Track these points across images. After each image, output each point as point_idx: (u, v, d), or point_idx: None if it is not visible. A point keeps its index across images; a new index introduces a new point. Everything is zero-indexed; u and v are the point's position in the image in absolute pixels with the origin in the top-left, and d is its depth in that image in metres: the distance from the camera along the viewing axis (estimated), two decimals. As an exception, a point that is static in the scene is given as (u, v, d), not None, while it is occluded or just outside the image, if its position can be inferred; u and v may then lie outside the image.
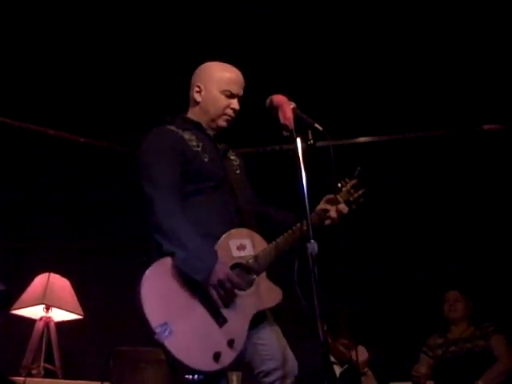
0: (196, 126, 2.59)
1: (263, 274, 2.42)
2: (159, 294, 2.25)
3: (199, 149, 2.51)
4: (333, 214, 2.58)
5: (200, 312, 2.27)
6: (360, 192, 2.67)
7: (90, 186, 5.03)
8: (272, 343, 2.42)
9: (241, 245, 2.41)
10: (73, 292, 4.33)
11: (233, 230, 2.43)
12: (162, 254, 2.31)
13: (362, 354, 3.87)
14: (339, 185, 2.66)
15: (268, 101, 2.40)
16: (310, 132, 2.26)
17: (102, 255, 4.90)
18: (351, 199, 2.66)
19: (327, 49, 4.35)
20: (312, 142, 2.25)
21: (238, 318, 2.30)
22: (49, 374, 4.04)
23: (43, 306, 4.18)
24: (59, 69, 4.49)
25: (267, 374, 2.37)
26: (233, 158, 2.68)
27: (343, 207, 2.62)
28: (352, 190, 2.67)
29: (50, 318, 4.22)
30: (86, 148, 5.12)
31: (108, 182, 5.04)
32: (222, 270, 2.27)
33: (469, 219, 4.80)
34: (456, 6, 4.01)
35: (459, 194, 4.86)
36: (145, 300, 2.20)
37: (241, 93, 2.62)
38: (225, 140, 2.66)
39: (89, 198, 4.99)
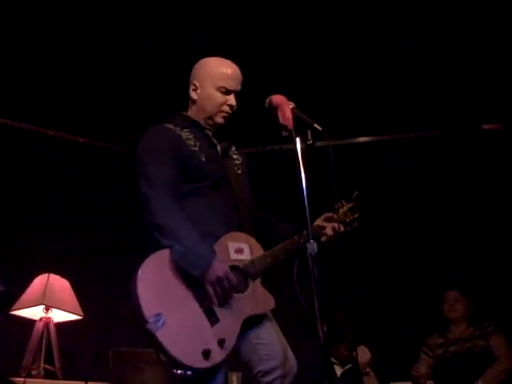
0: (194, 125, 2.58)
1: (258, 280, 2.42)
2: (155, 284, 2.24)
3: (196, 148, 2.50)
4: (329, 231, 2.59)
5: (194, 308, 2.26)
6: (355, 215, 2.67)
7: (90, 186, 5.03)
8: (271, 342, 2.41)
9: (239, 248, 2.41)
10: (72, 293, 4.32)
11: (232, 233, 2.42)
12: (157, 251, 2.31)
13: (364, 354, 3.87)
14: (336, 206, 2.66)
15: (267, 101, 2.39)
16: (309, 132, 2.26)
17: (102, 255, 4.90)
18: (347, 221, 2.66)
19: (327, 49, 4.35)
20: (311, 141, 2.25)
21: (230, 319, 2.29)
22: (49, 375, 4.04)
23: (43, 306, 4.18)
24: (59, 69, 4.49)
25: (266, 373, 2.36)
26: (235, 156, 2.66)
27: (339, 226, 2.61)
28: (348, 213, 2.66)
29: (49, 318, 4.22)
30: (86, 148, 5.13)
31: (108, 182, 5.05)
32: (221, 268, 2.26)
33: (469, 219, 4.80)
34: (456, 5, 4.01)
35: (459, 194, 4.86)
36: (140, 289, 2.20)
37: (238, 88, 2.59)
38: (226, 138, 2.64)
39: (88, 198, 4.99)
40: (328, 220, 2.62)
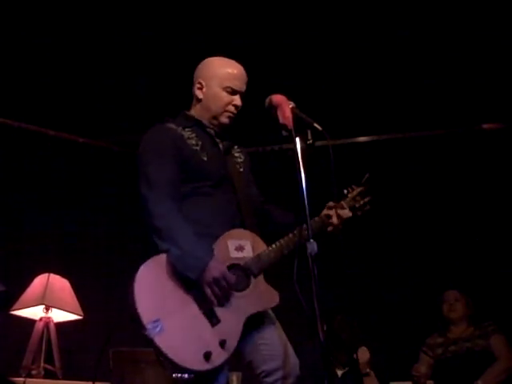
0: (196, 124, 2.57)
1: (261, 276, 2.40)
2: (153, 289, 2.24)
3: (198, 148, 2.49)
4: (334, 220, 2.55)
5: (193, 310, 2.26)
6: (366, 199, 2.64)
7: (90, 186, 5.03)
8: (274, 343, 2.41)
9: (239, 245, 2.39)
10: (72, 292, 4.32)
11: (232, 231, 2.41)
12: (158, 253, 2.30)
13: (363, 354, 3.87)
14: (345, 191, 2.64)
15: (267, 100, 2.39)
16: (309, 131, 2.26)
17: (102, 255, 4.90)
18: (357, 205, 2.63)
19: (327, 49, 4.35)
20: (311, 141, 2.25)
21: (231, 319, 2.28)
22: (49, 375, 4.04)
23: (43, 306, 4.18)
24: (59, 70, 4.49)
25: (269, 373, 2.36)
26: (237, 155, 2.65)
27: (345, 212, 2.58)
28: (358, 197, 2.64)
29: (49, 318, 4.22)
30: (86, 148, 5.13)
31: (107, 182, 5.05)
32: (217, 268, 2.26)
33: (469, 219, 4.80)
34: (455, 5, 4.01)
35: (459, 194, 4.86)
36: (138, 295, 2.20)
37: (243, 89, 2.59)
38: (228, 137, 2.64)
39: (88, 198, 4.99)
40: (332, 208, 2.57)
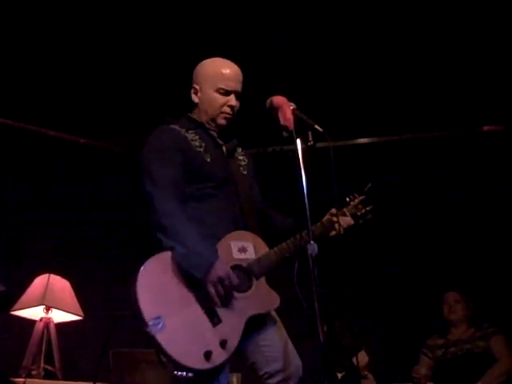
0: (199, 126, 2.58)
1: (262, 279, 2.41)
2: (156, 286, 2.24)
3: (201, 149, 2.50)
4: (337, 227, 2.55)
5: (195, 309, 2.26)
6: (368, 208, 2.66)
7: (90, 186, 5.03)
8: (277, 344, 2.41)
9: (242, 247, 2.40)
10: (73, 293, 4.32)
11: (235, 232, 2.42)
12: (161, 250, 2.31)
13: (362, 358, 3.88)
14: (347, 199, 2.65)
15: (268, 102, 2.40)
16: (310, 133, 2.26)
17: (103, 256, 4.90)
18: (358, 214, 2.64)
19: (327, 49, 4.35)
20: (312, 143, 2.25)
21: (232, 320, 2.29)
22: (49, 375, 4.04)
23: (43, 306, 4.18)
24: (59, 70, 4.49)
25: (272, 375, 2.37)
26: (240, 157, 2.66)
27: (348, 220, 2.59)
28: (360, 206, 2.65)
29: (50, 318, 4.22)
30: (86, 149, 5.13)
31: (108, 182, 5.05)
32: (222, 268, 2.26)
33: (469, 220, 4.80)
34: (456, 7, 4.01)
35: (459, 195, 4.86)
36: (140, 291, 2.20)
37: (238, 88, 2.57)
38: (231, 139, 2.63)
39: (89, 199, 5.00)
40: (335, 215, 2.57)
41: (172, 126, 2.54)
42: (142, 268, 2.25)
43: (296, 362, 2.41)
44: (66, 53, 4.38)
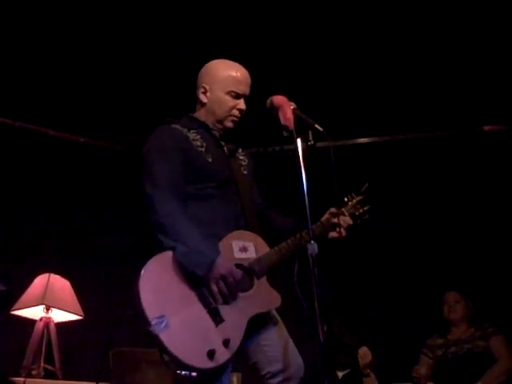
0: (202, 126, 2.57)
1: (263, 278, 2.41)
2: (158, 286, 2.24)
3: (203, 149, 2.49)
4: (341, 229, 2.55)
5: (197, 308, 2.26)
6: (366, 208, 2.66)
7: (90, 186, 5.03)
8: (278, 344, 2.41)
9: (243, 246, 2.40)
10: (73, 292, 4.33)
11: (236, 232, 2.42)
12: (162, 250, 2.30)
13: (365, 356, 3.87)
14: (345, 199, 2.65)
15: (268, 101, 2.39)
16: (310, 133, 2.26)
17: (102, 255, 4.90)
18: (356, 214, 2.65)
19: (327, 49, 4.35)
20: (312, 142, 2.25)
21: (235, 319, 2.29)
22: (49, 375, 4.04)
23: (43, 306, 4.18)
24: (59, 69, 4.49)
25: (274, 375, 2.37)
26: (241, 158, 2.66)
27: (347, 220, 2.60)
28: (358, 206, 2.65)
29: (50, 318, 4.22)
30: (86, 148, 5.13)
31: (108, 182, 5.05)
32: (224, 265, 2.26)
33: (469, 220, 4.80)
34: (456, 7, 4.01)
35: (459, 195, 4.86)
36: (143, 291, 2.19)
37: (247, 92, 2.58)
38: (233, 140, 2.64)
39: (89, 198, 4.99)
40: (335, 215, 2.58)
41: (173, 125, 2.54)
42: (143, 269, 2.24)
43: (297, 361, 2.42)
44: (66, 52, 4.38)
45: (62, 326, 4.31)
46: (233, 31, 4.19)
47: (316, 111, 2.39)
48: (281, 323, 2.49)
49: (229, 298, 2.28)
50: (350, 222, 2.61)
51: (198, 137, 2.52)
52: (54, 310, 4.22)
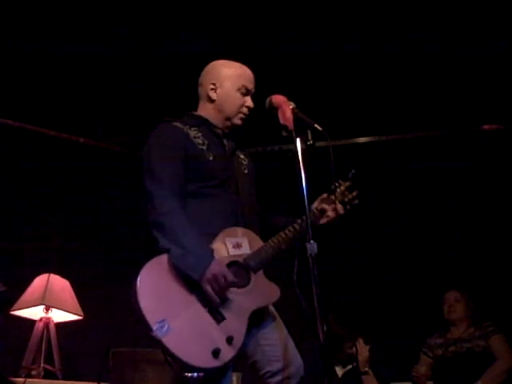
0: (204, 123, 2.57)
1: (260, 272, 2.41)
2: (156, 290, 2.24)
3: (204, 147, 2.48)
4: (331, 213, 2.56)
5: (197, 309, 2.26)
6: (354, 194, 2.65)
7: (90, 186, 5.02)
8: (278, 344, 2.41)
9: (237, 243, 2.40)
10: (73, 293, 4.32)
11: (228, 229, 2.41)
12: (158, 251, 2.31)
13: (362, 350, 3.88)
14: (333, 186, 2.63)
15: (267, 101, 2.40)
16: (309, 132, 2.26)
17: (103, 255, 4.89)
18: (346, 200, 2.63)
19: (327, 49, 4.35)
20: (311, 142, 2.25)
21: (236, 316, 2.29)
22: (48, 375, 4.03)
23: (43, 306, 4.17)
24: (59, 70, 4.49)
25: (273, 374, 2.37)
26: (241, 157, 2.66)
27: (340, 207, 2.59)
28: (346, 192, 2.64)
29: (49, 318, 4.22)
30: (86, 149, 5.13)
31: (108, 182, 5.05)
32: (216, 268, 2.26)
33: (469, 219, 4.80)
34: (456, 7, 4.01)
35: (459, 194, 4.86)
36: (141, 296, 2.20)
37: (253, 90, 2.61)
38: (233, 138, 2.63)
39: (88, 199, 4.99)
40: (326, 202, 2.58)
41: (174, 123, 2.53)
42: (141, 272, 2.25)
43: (297, 361, 2.42)
44: (66, 53, 4.37)
45: (61, 326, 4.31)
46: (232, 31, 4.19)
47: (315, 111, 2.39)
48: (280, 321, 2.49)
49: (223, 296, 2.27)
50: (341, 210, 2.59)
51: (200, 134, 2.51)
52: (53, 310, 4.21)
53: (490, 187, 4.80)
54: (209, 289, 2.25)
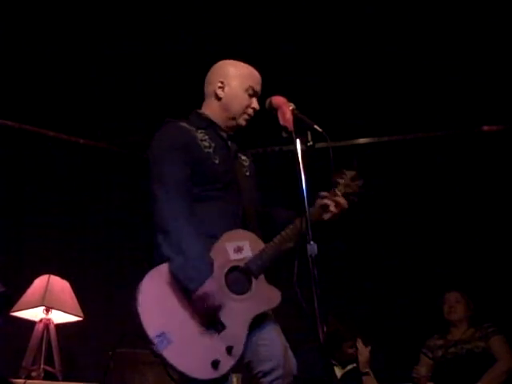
0: (211, 125, 2.55)
1: (262, 277, 2.39)
2: (156, 303, 2.23)
3: (211, 150, 2.47)
4: (333, 208, 2.46)
5: (197, 320, 2.25)
6: (360, 183, 2.54)
7: (90, 187, 5.03)
8: (272, 343, 2.39)
9: (238, 247, 2.38)
10: (73, 294, 4.32)
11: (229, 232, 2.39)
12: (161, 256, 2.29)
13: (363, 352, 3.88)
14: (334, 180, 2.53)
15: (267, 102, 2.39)
16: (309, 133, 2.25)
17: (102, 257, 4.89)
18: (351, 191, 2.51)
19: (327, 50, 4.35)
20: (311, 143, 2.24)
21: (236, 324, 2.28)
22: (49, 376, 4.03)
23: (43, 307, 4.17)
24: (60, 71, 4.49)
25: (266, 373, 2.35)
26: (243, 158, 2.65)
27: (343, 201, 2.47)
28: (351, 183, 2.52)
29: (49, 319, 4.21)
30: (86, 149, 5.13)
31: (108, 183, 5.05)
32: (208, 287, 2.23)
33: (469, 220, 4.80)
34: (456, 7, 4.01)
35: (459, 195, 4.86)
36: (142, 309, 2.20)
37: (260, 93, 2.60)
38: (235, 140, 2.62)
39: (89, 199, 4.99)
40: (327, 197, 2.47)
41: (181, 123, 2.51)
42: (142, 283, 2.24)
43: (291, 360, 2.40)
44: (66, 53, 4.38)
45: (61, 328, 4.30)
46: (232, 31, 4.19)
47: (315, 112, 2.39)
48: (276, 322, 2.47)
49: (210, 317, 2.25)
50: (345, 202, 2.48)
51: (206, 137, 2.50)
52: (53, 311, 4.21)
53: (489, 188, 4.80)
54: (197, 305, 2.24)
